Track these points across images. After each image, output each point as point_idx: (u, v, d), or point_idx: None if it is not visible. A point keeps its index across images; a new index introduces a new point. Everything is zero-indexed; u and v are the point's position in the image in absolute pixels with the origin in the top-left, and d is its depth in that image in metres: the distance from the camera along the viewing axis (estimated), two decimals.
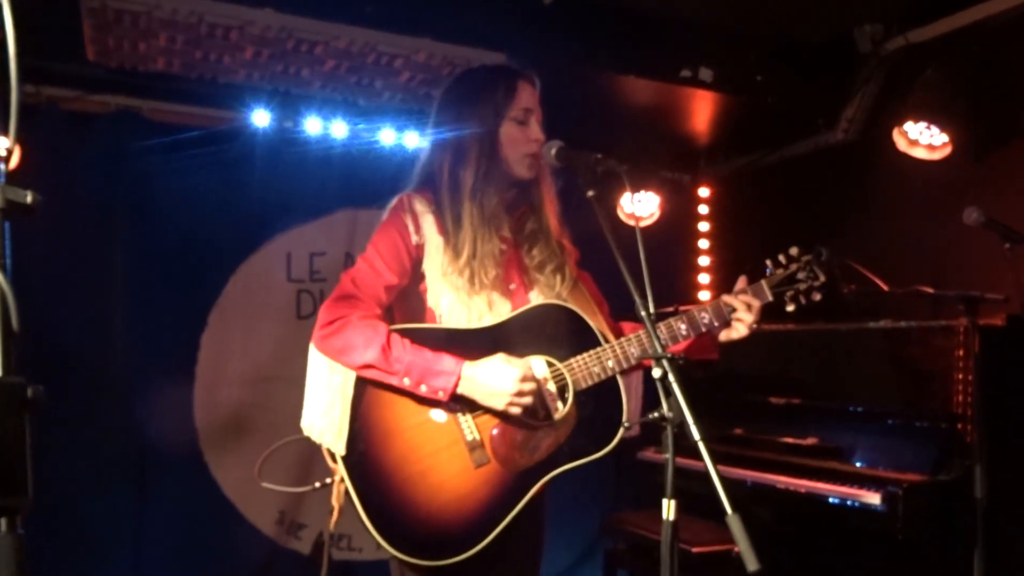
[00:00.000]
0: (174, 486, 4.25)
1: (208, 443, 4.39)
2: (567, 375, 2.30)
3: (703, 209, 5.96)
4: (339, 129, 4.58)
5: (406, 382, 2.19)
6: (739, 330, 2.38)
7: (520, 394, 2.19)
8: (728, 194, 5.84)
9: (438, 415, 2.26)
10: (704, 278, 5.90)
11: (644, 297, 1.92)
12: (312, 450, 2.32)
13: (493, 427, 2.26)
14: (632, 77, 4.28)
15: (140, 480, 4.19)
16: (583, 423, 2.29)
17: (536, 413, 2.25)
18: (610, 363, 2.30)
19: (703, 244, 5.93)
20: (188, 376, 4.37)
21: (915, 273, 3.66)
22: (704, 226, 5.95)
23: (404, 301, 2.40)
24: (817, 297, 2.39)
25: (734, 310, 2.37)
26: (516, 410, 2.21)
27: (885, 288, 3.59)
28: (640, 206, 5.49)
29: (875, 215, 4.59)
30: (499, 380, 2.19)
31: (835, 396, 3.90)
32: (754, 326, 2.37)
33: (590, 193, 2.11)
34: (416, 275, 2.37)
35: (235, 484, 4.39)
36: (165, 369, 4.28)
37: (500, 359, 2.22)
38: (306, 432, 2.28)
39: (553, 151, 2.31)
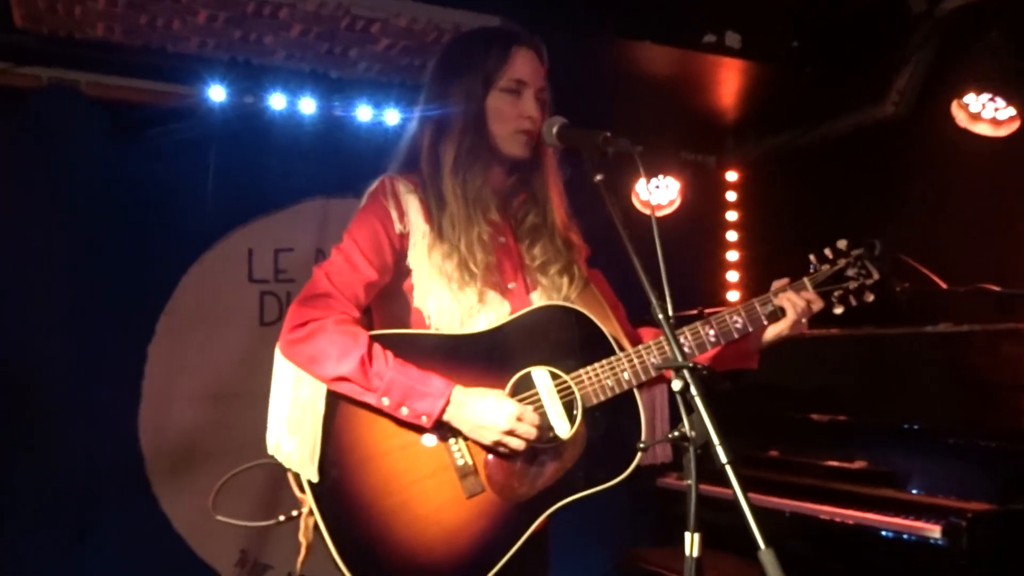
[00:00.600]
0: (117, 522, 4.23)
1: (157, 472, 4.38)
2: (575, 389, 2.30)
3: (731, 196, 5.97)
4: (307, 105, 4.58)
5: (385, 402, 2.19)
6: (789, 321, 2.38)
7: (512, 433, 2.19)
8: (759, 179, 5.84)
9: (425, 437, 2.26)
10: (732, 276, 5.91)
11: (662, 298, 1.92)
12: (279, 477, 2.32)
13: (488, 451, 2.27)
14: (648, 43, 4.29)
15: (78, 516, 4.18)
16: (594, 446, 2.28)
17: (540, 436, 2.25)
18: (626, 375, 2.30)
19: (731, 236, 5.94)
20: (133, 394, 4.37)
21: (978, 269, 3.67)
22: (732, 216, 5.96)
23: (386, 301, 2.40)
24: (870, 298, 2.40)
25: (772, 313, 2.39)
26: (504, 450, 2.22)
27: (944, 286, 3.59)
28: (658, 193, 5.50)
29: (931, 202, 4.59)
30: (493, 413, 2.19)
31: (886, 412, 3.90)
32: (804, 315, 2.38)
33: (598, 178, 2.11)
34: (400, 270, 2.37)
35: (189, 519, 4.38)
36: (106, 386, 4.27)
37: (498, 394, 2.23)
38: (271, 453, 2.27)
39: (555, 129, 2.32)
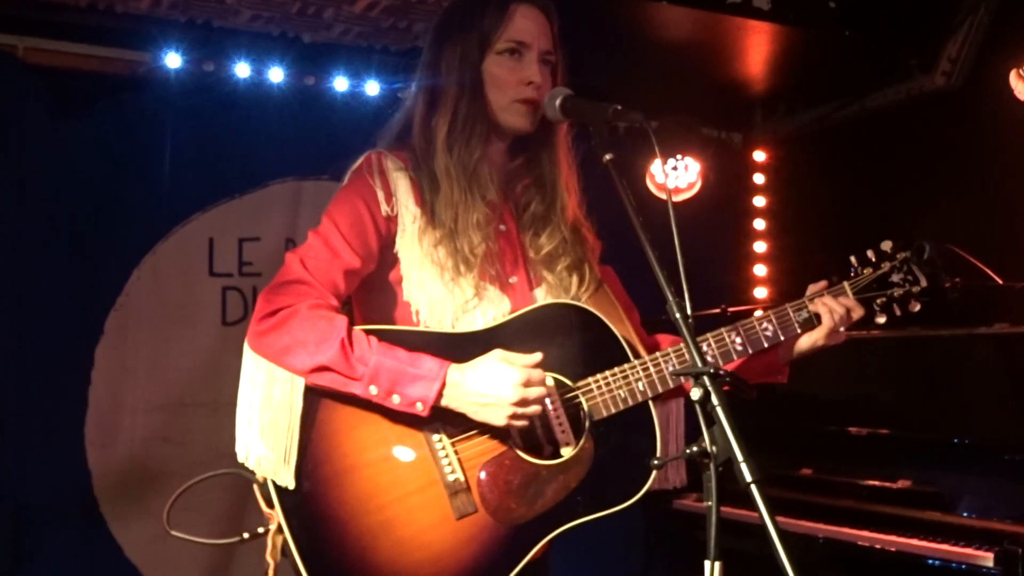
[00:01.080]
0: (61, 550, 4.23)
1: (105, 491, 4.38)
2: (583, 399, 2.30)
3: (759, 179, 5.97)
4: (276, 74, 4.58)
5: (372, 391, 2.17)
6: (825, 329, 2.40)
7: (524, 402, 2.17)
8: (791, 159, 5.84)
9: (410, 448, 2.25)
10: (760, 269, 5.91)
11: (679, 294, 1.91)
12: (243, 492, 2.32)
13: (482, 465, 2.26)
14: (664, 4, 4.28)
15: (15, 543, 4.18)
16: (602, 463, 2.28)
17: (540, 448, 2.25)
18: (641, 385, 2.30)
19: (759, 225, 5.94)
20: (78, 402, 4.37)
21: None
22: (760, 201, 5.96)
23: (369, 294, 2.40)
24: (916, 307, 2.43)
25: (807, 320, 2.40)
26: (520, 423, 2.21)
27: (1000, 282, 3.59)
28: (676, 175, 5.50)
29: (986, 186, 4.59)
30: (496, 385, 2.17)
31: (934, 425, 3.90)
32: (843, 324, 2.40)
33: (607, 157, 2.10)
34: (386, 259, 2.37)
35: (141, 544, 4.38)
36: (47, 393, 4.26)
37: (496, 357, 2.21)
38: (241, 459, 2.26)
39: (557, 101, 2.31)
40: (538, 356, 2.23)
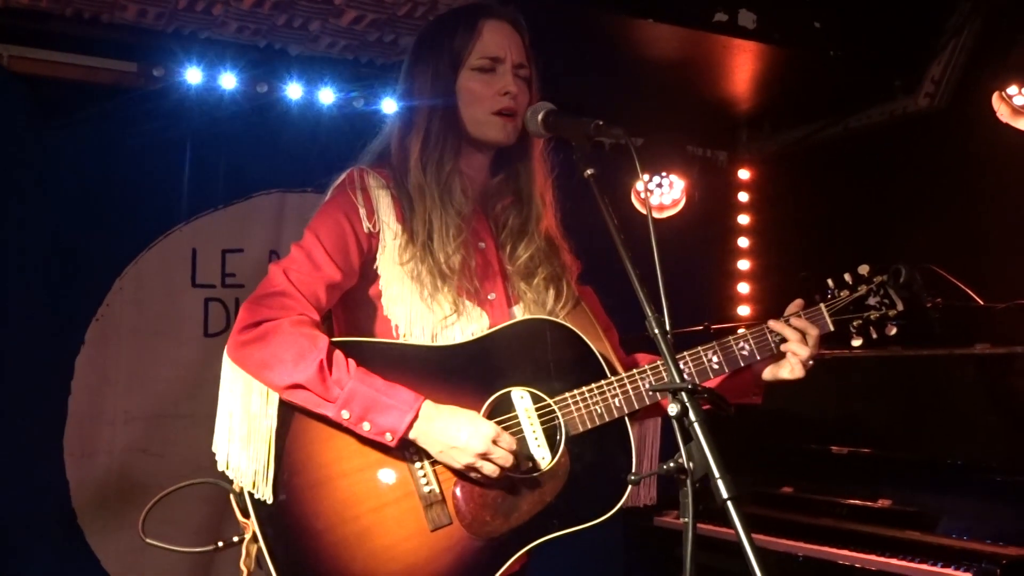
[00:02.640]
0: (37, 561, 4.21)
1: (84, 502, 4.35)
2: (559, 414, 2.30)
3: (743, 197, 5.99)
4: (262, 86, 4.57)
5: (344, 415, 2.18)
6: (792, 368, 2.40)
7: (487, 456, 2.18)
8: (776, 177, 5.86)
9: (386, 459, 2.26)
10: (743, 287, 5.92)
11: (659, 311, 1.91)
12: (219, 504, 2.31)
13: (458, 478, 2.26)
14: (650, 22, 4.29)
15: None
16: (578, 478, 2.28)
17: (516, 462, 2.25)
18: (617, 401, 2.31)
19: (742, 243, 5.96)
20: (58, 413, 4.34)
21: (1020, 283, 3.68)
22: (744, 219, 5.98)
23: (349, 308, 2.41)
24: (892, 331, 2.43)
25: (784, 340, 2.39)
26: (476, 476, 2.22)
27: (981, 303, 3.60)
28: (659, 192, 5.51)
29: (968, 206, 4.61)
30: (467, 432, 2.18)
31: (915, 444, 3.91)
32: (810, 363, 2.40)
33: (588, 172, 2.11)
34: (368, 274, 2.38)
35: (119, 556, 4.35)
36: (27, 404, 4.24)
37: (472, 414, 2.23)
38: (221, 469, 2.26)
39: (540, 116, 2.33)
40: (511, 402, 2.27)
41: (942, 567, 3.38)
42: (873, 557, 3.59)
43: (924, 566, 3.43)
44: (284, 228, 4.69)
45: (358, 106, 4.72)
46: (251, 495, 2.21)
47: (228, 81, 4.50)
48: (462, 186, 2.40)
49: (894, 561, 3.52)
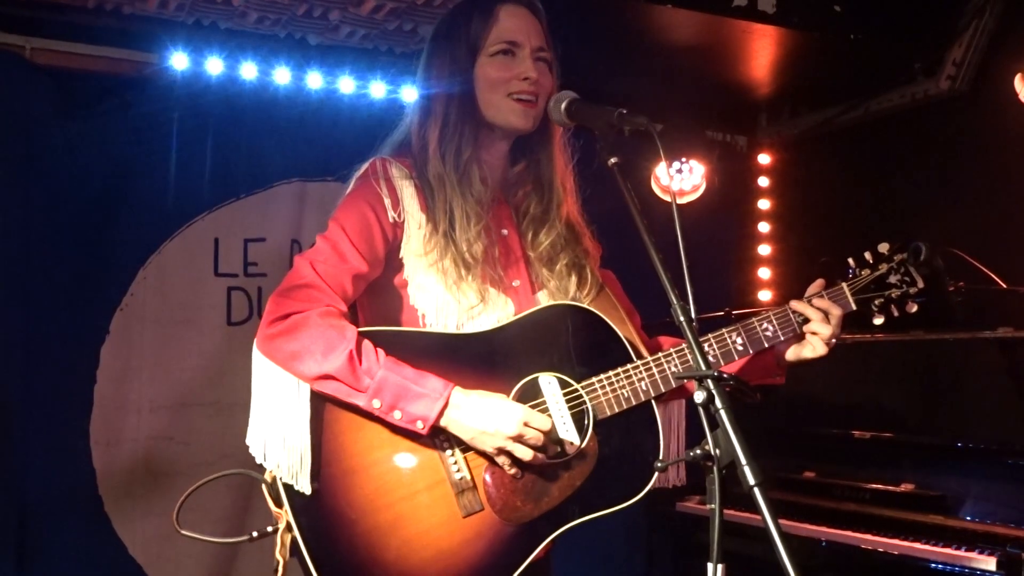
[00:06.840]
0: (64, 548, 4.24)
1: (110, 490, 4.39)
2: (587, 398, 2.32)
3: (763, 182, 5.98)
4: (282, 76, 4.58)
5: (375, 404, 2.20)
6: (814, 347, 2.41)
7: (520, 439, 2.20)
8: (796, 162, 5.85)
9: (417, 447, 2.28)
10: (764, 272, 5.91)
11: (683, 297, 1.92)
12: (248, 493, 2.33)
13: (488, 464, 2.28)
14: (669, 7, 4.29)
15: (19, 541, 4.18)
16: (606, 462, 2.30)
17: (545, 448, 2.26)
18: (644, 385, 2.32)
19: (763, 228, 5.95)
20: (84, 401, 4.37)
21: None
22: (764, 204, 5.96)
23: (375, 297, 2.42)
24: (913, 308, 2.44)
25: (806, 320, 2.40)
26: (507, 461, 2.24)
27: (1003, 286, 3.59)
28: (680, 178, 5.50)
29: (990, 190, 4.60)
30: (499, 416, 2.20)
31: (937, 428, 3.91)
32: (833, 342, 2.41)
33: (612, 160, 2.12)
34: (393, 264, 2.39)
35: (145, 543, 4.39)
36: (53, 393, 4.27)
37: (503, 397, 2.25)
38: (258, 462, 2.28)
39: (563, 105, 2.34)
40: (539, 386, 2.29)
41: (966, 551, 3.38)
42: (896, 541, 3.60)
43: (947, 550, 3.44)
44: (305, 217, 4.70)
45: (378, 95, 4.72)
46: (286, 485, 2.22)
47: (248, 71, 4.52)
48: (481, 174, 2.42)
49: (917, 545, 3.53)
